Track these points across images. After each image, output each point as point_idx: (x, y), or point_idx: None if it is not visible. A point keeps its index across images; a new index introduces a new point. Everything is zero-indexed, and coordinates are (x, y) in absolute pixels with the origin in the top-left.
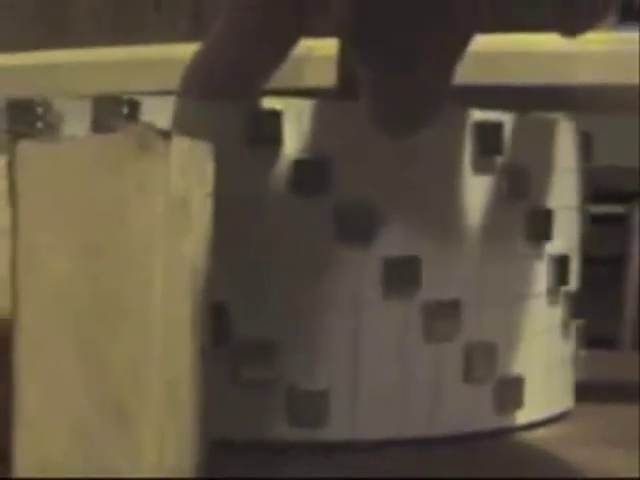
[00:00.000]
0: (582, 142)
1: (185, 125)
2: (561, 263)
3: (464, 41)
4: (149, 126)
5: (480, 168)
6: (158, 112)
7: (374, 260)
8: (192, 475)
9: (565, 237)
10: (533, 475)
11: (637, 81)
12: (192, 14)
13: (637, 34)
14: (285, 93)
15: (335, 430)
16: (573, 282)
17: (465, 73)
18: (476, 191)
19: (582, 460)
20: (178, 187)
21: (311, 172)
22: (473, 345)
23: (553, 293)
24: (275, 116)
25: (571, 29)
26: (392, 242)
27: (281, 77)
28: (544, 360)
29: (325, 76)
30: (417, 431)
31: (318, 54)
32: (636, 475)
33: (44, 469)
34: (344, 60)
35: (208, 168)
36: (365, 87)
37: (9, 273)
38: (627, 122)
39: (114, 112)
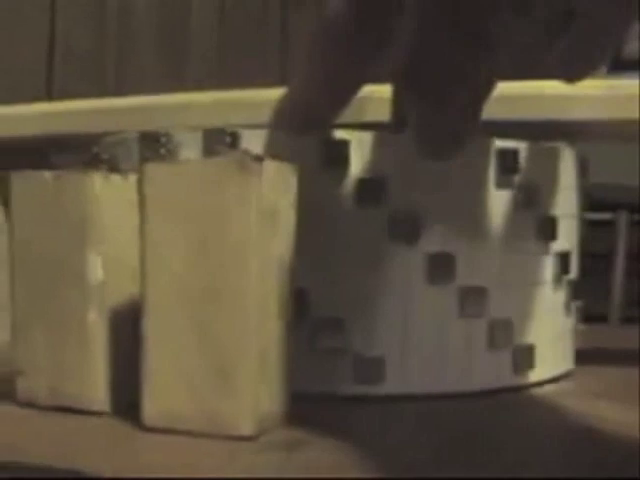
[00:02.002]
0: (580, 164)
1: (274, 151)
2: (563, 258)
3: (489, 88)
4: (246, 152)
5: (501, 184)
6: (254, 141)
7: (419, 255)
8: (280, 420)
9: (566, 237)
10: (542, 419)
11: (624, 117)
12: (280, 63)
13: (623, 81)
14: (351, 126)
15: (389, 386)
16: (573, 272)
17: (489, 111)
18: (498, 202)
19: (579, 409)
20: (269, 199)
21: (370, 188)
22: (495, 321)
23: (557, 281)
24: (344, 144)
25: (571, 77)
26: (433, 241)
27: (348, 114)
28: (550, 332)
29: (383, 114)
30: (453, 387)
31: (377, 96)
32: (623, 417)
33: (165, 416)
34: (397, 101)
35: (292, 184)
36: (412, 122)
37: (138, 265)
38: (616, 148)
39: (219, 141)
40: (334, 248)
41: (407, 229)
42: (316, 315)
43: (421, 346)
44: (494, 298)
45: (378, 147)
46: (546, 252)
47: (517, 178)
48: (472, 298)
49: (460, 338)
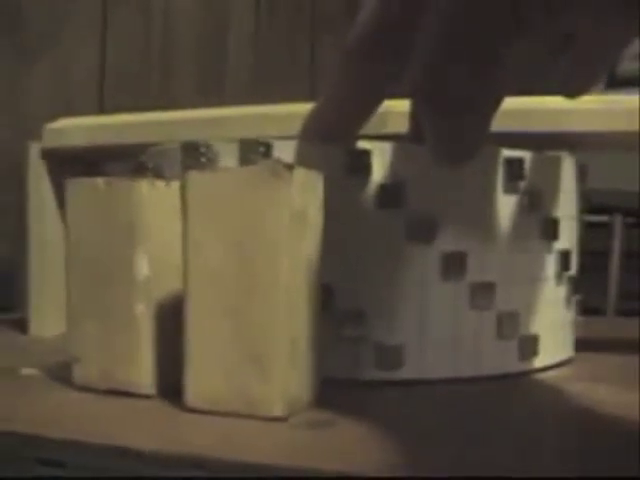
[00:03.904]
0: (579, 171)
1: (304, 160)
2: (564, 256)
3: (497, 102)
4: (278, 161)
5: (508, 190)
6: (285, 151)
7: (435, 254)
8: (308, 402)
9: (567, 237)
10: (546, 401)
11: (620, 129)
12: (309, 80)
13: (619, 96)
14: (373, 138)
15: (408, 372)
16: (573, 269)
17: (496, 123)
18: (506, 206)
19: (579, 391)
20: (298, 203)
21: (390, 193)
22: (503, 313)
23: (559, 277)
24: (366, 154)
25: (571, 93)
26: (447, 241)
27: (370, 126)
28: (553, 323)
29: (402, 126)
30: (465, 372)
31: (397, 110)
32: (619, 399)
33: (205, 398)
34: (414, 115)
35: (319, 190)
36: (428, 134)
37: (181, 263)
38: (612, 157)
39: (254, 151)
40: (357, 247)
41: (424, 230)
42: (341, 307)
43: (436, 335)
44: (502, 292)
45: (397, 156)
46: (549, 251)
47: (523, 184)
48: (482, 292)
49: (471, 328)
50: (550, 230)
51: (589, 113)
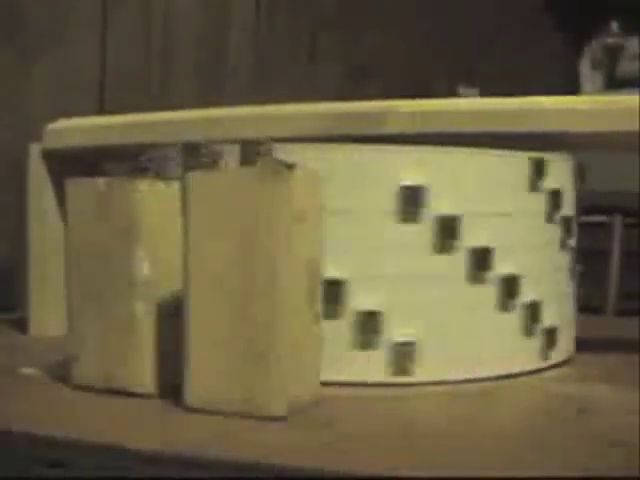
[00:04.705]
0: (578, 169)
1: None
2: (574, 250)
3: None
4: (279, 161)
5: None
6: (284, 152)
7: (462, 251)
8: (308, 402)
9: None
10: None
11: (620, 129)
12: (308, 81)
13: (619, 96)
14: (373, 138)
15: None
16: (578, 266)
17: (497, 123)
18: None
19: (578, 391)
20: (298, 203)
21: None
22: (527, 305)
23: (571, 271)
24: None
25: None
26: (475, 238)
27: (370, 126)
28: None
29: (402, 126)
30: (485, 373)
31: (397, 110)
32: (618, 398)
33: (204, 398)
34: None
35: (319, 190)
36: None
37: (182, 262)
38: (612, 157)
39: (255, 151)
40: (378, 248)
41: (450, 230)
42: (355, 309)
43: (454, 336)
44: (527, 287)
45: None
46: (566, 245)
47: (544, 185)
48: (506, 290)
49: (495, 331)
50: (568, 227)
51: (589, 113)
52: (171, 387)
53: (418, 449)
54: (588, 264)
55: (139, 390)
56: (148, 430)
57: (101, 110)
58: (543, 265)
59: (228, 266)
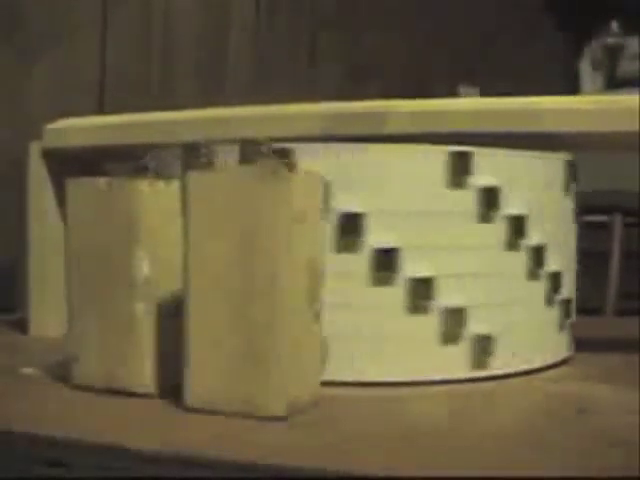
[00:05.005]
0: (571, 170)
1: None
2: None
3: None
4: (278, 161)
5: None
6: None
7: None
8: (308, 402)
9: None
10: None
11: (620, 129)
12: (308, 81)
13: (619, 96)
14: (373, 137)
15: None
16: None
17: (497, 123)
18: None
19: (578, 391)
20: (298, 202)
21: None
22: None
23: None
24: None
25: None
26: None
27: (370, 126)
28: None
29: (402, 126)
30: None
31: (397, 110)
32: (618, 398)
33: (204, 398)
34: None
35: (319, 190)
36: None
37: (182, 262)
38: (612, 157)
39: (254, 151)
40: None
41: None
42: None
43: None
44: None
45: None
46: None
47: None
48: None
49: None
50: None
51: (589, 113)
52: (171, 387)
53: (418, 449)
54: (588, 264)
55: (139, 390)
56: (148, 430)
57: (101, 110)
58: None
59: (228, 266)
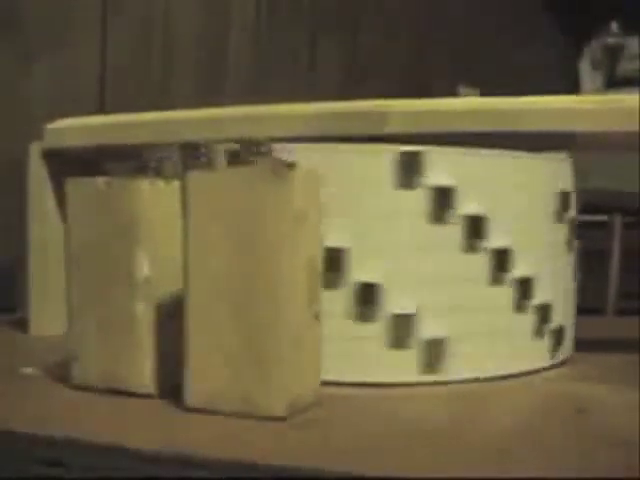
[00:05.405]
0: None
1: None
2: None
3: None
4: (280, 160)
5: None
6: (286, 151)
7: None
8: (308, 402)
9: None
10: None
11: (620, 129)
12: (308, 82)
13: (619, 96)
14: (373, 137)
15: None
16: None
17: (497, 123)
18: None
19: (578, 391)
20: (299, 202)
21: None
22: (540, 307)
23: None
24: None
25: None
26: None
27: (370, 126)
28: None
29: (402, 126)
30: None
31: (397, 110)
32: (618, 397)
33: (204, 398)
34: None
35: (319, 190)
36: None
37: (182, 262)
38: (612, 157)
39: (254, 151)
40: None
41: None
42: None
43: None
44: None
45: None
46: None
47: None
48: (523, 290)
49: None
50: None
51: (589, 113)
52: (171, 387)
53: (418, 449)
54: (588, 264)
55: (139, 390)
56: (148, 430)
57: (101, 110)
58: None
59: (228, 265)
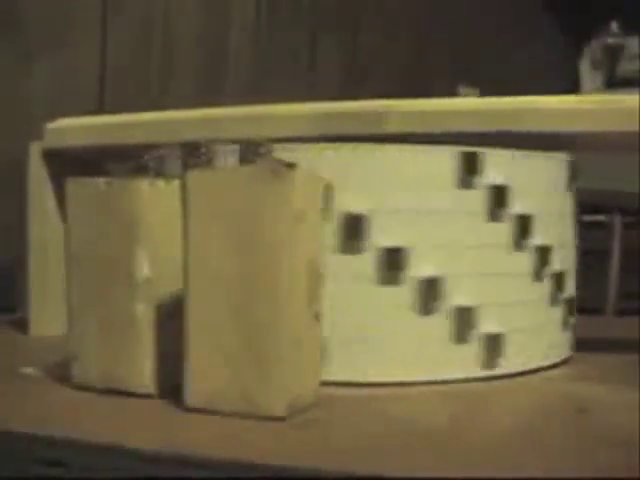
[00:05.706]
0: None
1: None
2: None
3: None
4: (279, 160)
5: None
6: (284, 151)
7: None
8: (308, 402)
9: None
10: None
11: (620, 129)
12: (307, 81)
13: (619, 96)
14: (373, 137)
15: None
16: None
17: (497, 123)
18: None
19: (578, 391)
20: (299, 203)
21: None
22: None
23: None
24: None
25: None
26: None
27: (370, 126)
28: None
29: (402, 126)
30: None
31: (397, 110)
32: (618, 397)
33: (204, 398)
34: None
35: (319, 190)
36: None
37: (182, 262)
38: (612, 157)
39: (254, 151)
40: None
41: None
42: None
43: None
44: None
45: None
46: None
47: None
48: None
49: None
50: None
51: (589, 113)
52: (171, 387)
53: (418, 449)
54: (588, 264)
55: (139, 390)
56: (148, 430)
57: (101, 110)
58: None
59: (228, 265)
